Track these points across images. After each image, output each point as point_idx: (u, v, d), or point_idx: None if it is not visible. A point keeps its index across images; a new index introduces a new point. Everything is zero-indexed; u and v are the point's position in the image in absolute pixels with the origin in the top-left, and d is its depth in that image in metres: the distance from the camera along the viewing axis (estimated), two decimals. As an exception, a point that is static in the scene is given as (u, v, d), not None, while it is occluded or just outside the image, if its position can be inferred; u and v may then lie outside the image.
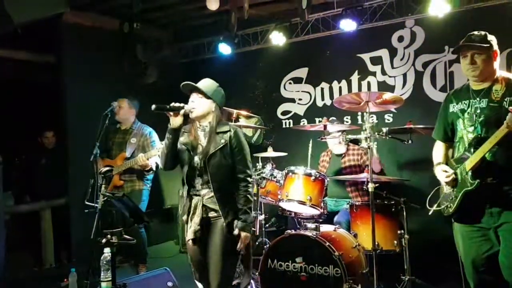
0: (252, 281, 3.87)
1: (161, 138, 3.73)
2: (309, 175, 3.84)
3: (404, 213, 3.69)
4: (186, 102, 2.84)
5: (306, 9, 4.53)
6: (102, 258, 2.67)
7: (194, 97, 2.82)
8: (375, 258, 3.40)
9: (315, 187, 3.82)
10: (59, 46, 5.28)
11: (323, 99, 5.37)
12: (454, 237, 2.70)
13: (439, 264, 4.01)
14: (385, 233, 3.71)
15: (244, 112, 4.55)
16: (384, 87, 4.89)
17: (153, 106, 2.67)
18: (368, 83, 5.03)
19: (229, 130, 2.84)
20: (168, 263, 3.91)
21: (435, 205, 2.70)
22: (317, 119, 5.27)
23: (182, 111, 2.73)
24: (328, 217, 4.05)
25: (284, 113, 5.68)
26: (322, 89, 5.37)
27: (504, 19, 4.14)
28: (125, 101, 4.53)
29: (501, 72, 2.55)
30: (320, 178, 3.86)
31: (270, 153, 4.59)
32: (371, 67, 5.03)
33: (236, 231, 2.77)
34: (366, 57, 5.04)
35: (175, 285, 3.49)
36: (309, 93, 5.48)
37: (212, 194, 2.77)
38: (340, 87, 5.23)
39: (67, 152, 5.19)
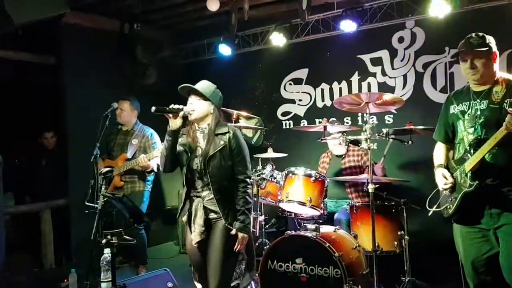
0: (252, 281, 3.87)
1: (162, 140, 3.74)
2: (309, 176, 3.85)
3: (405, 214, 3.69)
4: (185, 103, 2.84)
5: (306, 10, 4.53)
6: (102, 258, 2.68)
7: (193, 99, 2.83)
8: (375, 259, 3.41)
9: (315, 188, 3.83)
10: (59, 47, 5.28)
11: (323, 100, 5.37)
12: (454, 238, 2.70)
13: (439, 265, 4.01)
14: (385, 234, 3.71)
15: (244, 113, 4.55)
16: (384, 88, 4.89)
17: (153, 108, 2.67)
18: (368, 84, 5.03)
19: (228, 132, 2.84)
20: (168, 264, 3.91)
21: (435, 206, 2.70)
22: (317, 120, 5.27)
23: (181, 113, 2.73)
24: (328, 218, 4.06)
25: (284, 114, 5.68)
26: (322, 90, 5.37)
27: (505, 19, 4.14)
28: (126, 103, 4.50)
29: (501, 74, 2.55)
30: (320, 179, 3.86)
31: (270, 154, 4.59)
32: (371, 68, 5.03)
33: (233, 232, 2.77)
34: (366, 58, 5.04)
35: (175, 286, 3.49)
36: (309, 94, 5.48)
37: (212, 196, 2.77)
38: (340, 88, 5.23)
39: (67, 152, 5.19)
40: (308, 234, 3.50)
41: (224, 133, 2.83)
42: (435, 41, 4.61)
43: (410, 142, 3.63)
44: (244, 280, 3.79)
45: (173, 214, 6.05)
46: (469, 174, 2.44)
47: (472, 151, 2.45)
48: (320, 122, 4.92)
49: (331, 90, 5.31)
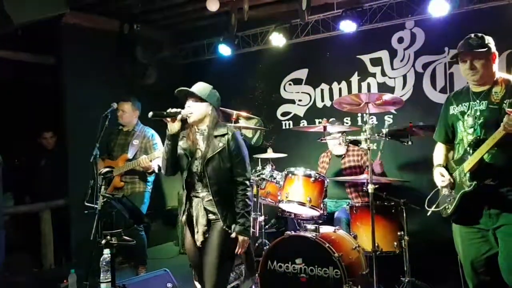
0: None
1: (163, 140, 3.74)
2: (309, 176, 3.85)
3: (404, 215, 3.69)
4: (184, 104, 2.84)
5: (306, 10, 4.54)
6: (101, 259, 2.68)
7: (190, 102, 2.82)
8: (375, 260, 3.41)
9: (315, 188, 3.83)
10: (59, 47, 5.28)
11: (323, 100, 5.37)
12: (453, 238, 2.70)
13: (439, 265, 4.01)
14: (385, 234, 3.71)
15: (244, 113, 4.55)
16: (384, 88, 4.89)
17: (150, 114, 2.65)
18: (368, 84, 5.03)
19: (227, 133, 2.83)
20: (167, 264, 3.91)
21: (434, 206, 2.70)
22: (317, 120, 5.27)
23: (179, 117, 2.72)
24: (328, 218, 4.05)
25: (284, 114, 5.68)
26: (322, 90, 5.37)
27: (504, 20, 4.13)
28: (127, 105, 4.48)
29: (500, 74, 2.55)
30: (320, 179, 3.86)
31: (270, 154, 4.59)
32: (371, 68, 5.03)
33: (233, 235, 2.76)
34: (366, 58, 5.04)
35: (175, 286, 3.49)
36: (309, 94, 5.48)
37: (211, 197, 2.77)
38: (340, 88, 5.23)
39: (67, 153, 5.19)
40: (308, 234, 3.50)
41: (223, 135, 2.82)
42: (435, 41, 4.61)
43: (410, 143, 3.63)
44: (245, 285, 3.80)
45: (173, 214, 6.06)
46: (467, 174, 2.44)
47: (471, 151, 2.45)
48: (319, 122, 4.93)
49: (330, 90, 5.31)
